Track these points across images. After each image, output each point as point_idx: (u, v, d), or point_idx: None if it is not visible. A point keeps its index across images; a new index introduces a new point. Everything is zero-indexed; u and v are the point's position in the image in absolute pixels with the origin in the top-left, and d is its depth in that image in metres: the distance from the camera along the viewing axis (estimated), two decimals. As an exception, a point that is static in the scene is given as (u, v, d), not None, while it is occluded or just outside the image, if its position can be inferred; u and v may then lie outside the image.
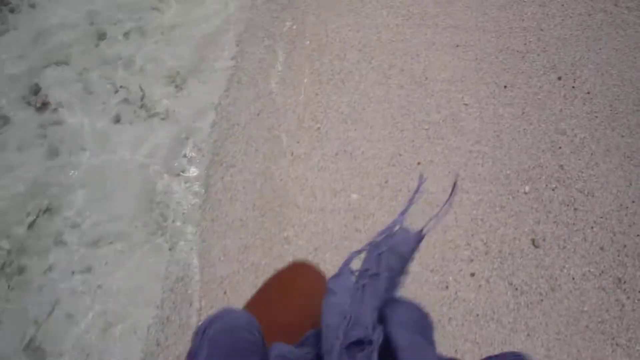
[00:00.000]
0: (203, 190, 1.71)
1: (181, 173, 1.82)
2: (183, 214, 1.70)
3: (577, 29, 1.78)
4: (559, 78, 1.68)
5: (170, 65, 2.00)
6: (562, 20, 1.80)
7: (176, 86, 1.96)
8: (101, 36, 2.11)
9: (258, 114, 1.77)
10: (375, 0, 1.94)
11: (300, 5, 1.99)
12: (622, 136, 1.56)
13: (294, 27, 1.94)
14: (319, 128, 1.70)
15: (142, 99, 1.94)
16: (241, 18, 2.04)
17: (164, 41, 2.05)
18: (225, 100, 1.86)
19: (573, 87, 1.66)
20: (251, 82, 1.86)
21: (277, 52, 1.91)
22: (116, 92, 1.98)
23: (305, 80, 1.80)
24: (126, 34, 2.10)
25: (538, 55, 1.74)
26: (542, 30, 1.79)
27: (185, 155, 1.84)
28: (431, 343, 0.56)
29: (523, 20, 1.82)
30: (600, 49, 1.73)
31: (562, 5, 1.84)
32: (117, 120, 1.93)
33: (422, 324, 0.58)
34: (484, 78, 1.72)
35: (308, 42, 1.89)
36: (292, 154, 1.68)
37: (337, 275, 0.55)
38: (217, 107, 1.86)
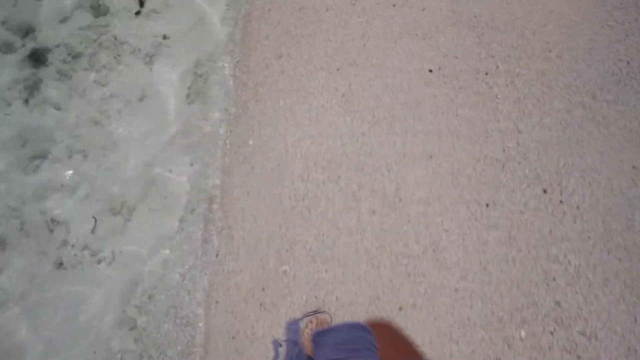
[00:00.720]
0: (158, 354, 1.49)
1: (133, 327, 1.60)
2: (137, 387, 1.47)
3: (557, 129, 1.64)
4: (545, 191, 1.53)
5: (115, 191, 1.77)
6: (541, 119, 1.66)
7: (123, 218, 1.74)
8: (37, 158, 1.88)
9: (217, 255, 1.57)
10: (337, 105, 1.77)
11: (255, 114, 1.80)
12: (620, 260, 1.42)
13: (250, 142, 1.74)
14: (285, 271, 1.50)
15: (84, 238, 1.71)
16: (191, 130, 1.84)
17: (108, 163, 1.83)
18: (179, 235, 1.64)
19: (560, 201, 1.51)
20: (206, 211, 1.65)
21: (232, 173, 1.71)
22: (52, 231, 1.74)
23: (267, 210, 1.60)
24: (66, 156, 1.87)
25: (519, 163, 1.59)
26: (520, 132, 1.64)
27: (136, 306, 1.61)
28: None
29: (499, 121, 1.67)
30: (584, 152, 1.59)
31: (538, 100, 1.70)
32: (58, 265, 1.69)
33: (356, 336, 0.77)
34: (463, 196, 1.55)
35: (266, 161, 1.69)
36: (257, 304, 1.47)
37: None
38: (170, 243, 1.65)
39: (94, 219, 1.72)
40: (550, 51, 1.80)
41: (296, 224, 1.56)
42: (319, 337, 0.81)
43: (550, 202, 1.52)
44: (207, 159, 1.75)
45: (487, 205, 1.53)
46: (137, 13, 2.12)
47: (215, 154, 1.74)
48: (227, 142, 1.77)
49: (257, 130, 1.77)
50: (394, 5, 1.97)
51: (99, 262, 1.65)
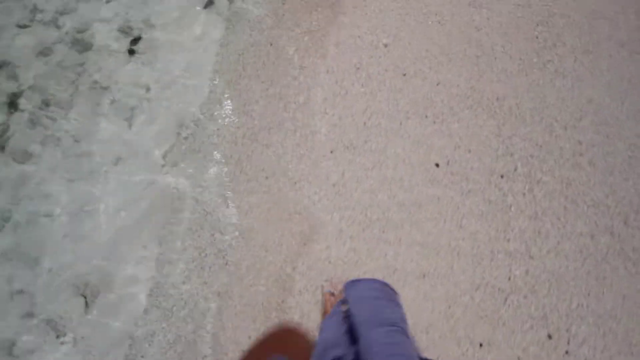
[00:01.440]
0: None
1: None
2: None
3: (576, 259, 1.41)
4: (550, 336, 1.33)
5: (78, 270, 1.65)
6: (558, 243, 1.43)
7: (86, 301, 1.62)
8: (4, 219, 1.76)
9: (180, 358, 1.45)
10: (326, 197, 1.56)
11: (245, 191, 1.62)
12: None
13: (233, 239, 1.57)
14: (248, 395, 1.38)
15: (45, 312, 1.61)
16: (164, 205, 1.68)
17: (72, 235, 1.69)
18: (140, 331, 1.52)
19: (566, 352, 1.32)
20: (173, 308, 1.52)
21: (205, 268, 1.54)
22: (12, 299, 1.64)
23: (236, 318, 1.46)
24: (30, 220, 1.74)
25: (525, 297, 1.38)
26: (531, 257, 1.42)
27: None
28: (397, 305, 0.80)
29: (508, 240, 1.45)
30: (603, 293, 1.37)
31: (558, 218, 1.46)
32: (11, 345, 1.61)
33: (383, 291, 0.83)
34: (455, 330, 1.37)
35: (241, 259, 1.53)
36: None
37: (329, 316, 0.88)
38: (131, 339, 1.53)
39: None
40: (581, 155, 1.54)
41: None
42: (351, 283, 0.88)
43: (555, 350, 1.32)
44: (175, 245, 1.60)
45: (481, 345, 1.35)
46: (131, 52, 1.91)
47: (182, 246, 1.58)
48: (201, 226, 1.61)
49: (243, 213, 1.60)
50: (404, 74, 1.71)
51: (59, 341, 1.55)
